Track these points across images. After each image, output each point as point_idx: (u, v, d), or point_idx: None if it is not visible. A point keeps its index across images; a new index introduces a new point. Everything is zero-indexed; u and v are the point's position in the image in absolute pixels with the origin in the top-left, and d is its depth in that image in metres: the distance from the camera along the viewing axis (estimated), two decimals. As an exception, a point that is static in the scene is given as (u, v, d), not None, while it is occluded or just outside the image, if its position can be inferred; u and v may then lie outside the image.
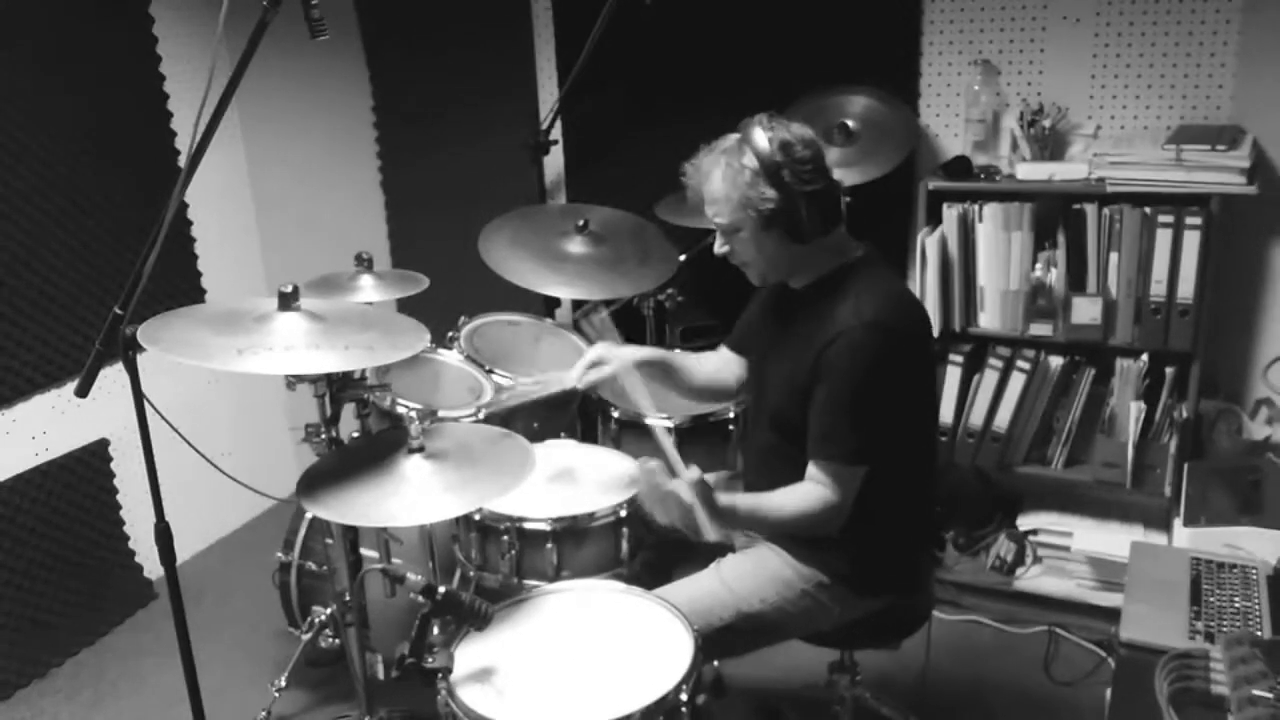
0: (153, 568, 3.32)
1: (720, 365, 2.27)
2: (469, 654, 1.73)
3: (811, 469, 1.89)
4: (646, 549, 2.26)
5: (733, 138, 1.88)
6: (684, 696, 1.62)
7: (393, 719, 2.43)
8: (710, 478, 2.22)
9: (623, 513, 2.16)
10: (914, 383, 1.96)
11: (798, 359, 1.91)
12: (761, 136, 1.83)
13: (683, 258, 2.92)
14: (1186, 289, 2.59)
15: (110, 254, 3.15)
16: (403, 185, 3.70)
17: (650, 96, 3.27)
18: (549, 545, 2.11)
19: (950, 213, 2.79)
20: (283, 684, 2.65)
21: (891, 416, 1.87)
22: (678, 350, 2.36)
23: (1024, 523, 3.00)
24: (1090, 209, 2.65)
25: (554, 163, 3.43)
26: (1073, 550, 2.88)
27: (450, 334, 2.83)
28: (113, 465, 3.22)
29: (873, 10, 2.98)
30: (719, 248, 1.97)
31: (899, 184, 2.95)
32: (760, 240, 1.89)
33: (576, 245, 2.83)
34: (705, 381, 2.26)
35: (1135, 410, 2.69)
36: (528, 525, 2.12)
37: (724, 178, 1.86)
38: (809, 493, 1.88)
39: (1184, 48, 2.71)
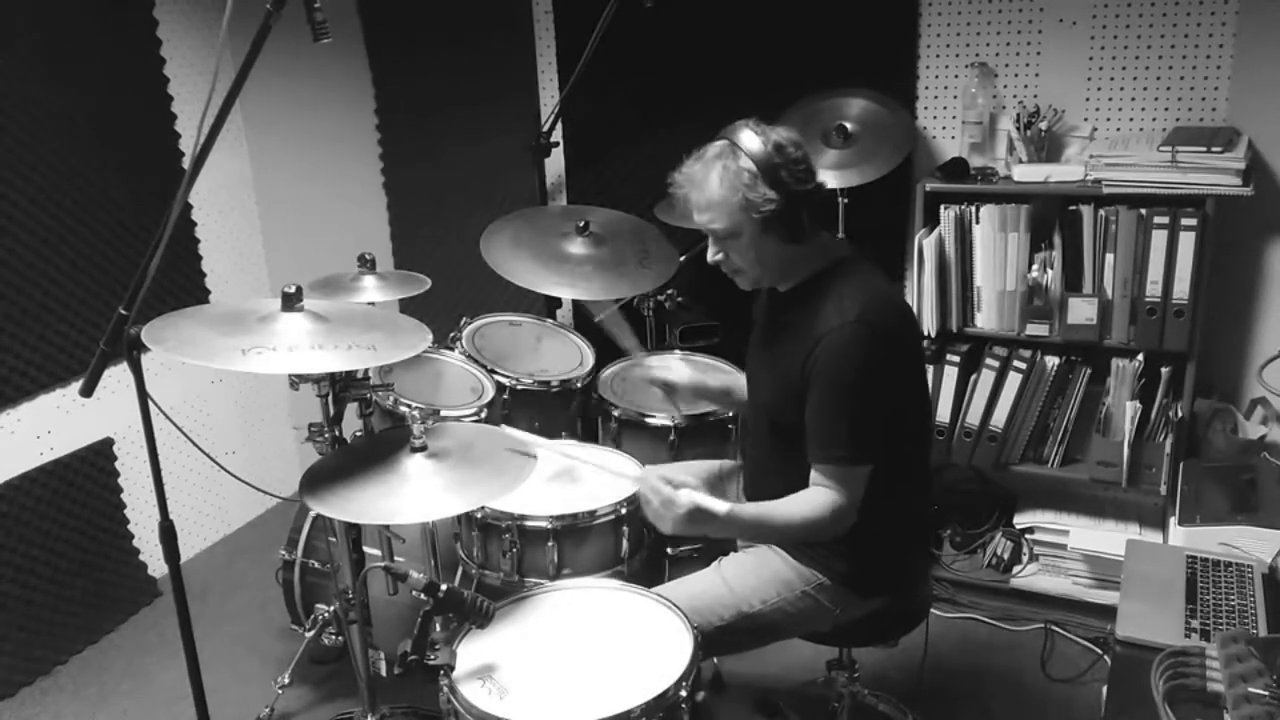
0: (157, 566, 3.35)
1: None
2: (471, 651, 1.75)
3: (815, 474, 1.89)
4: (647, 547, 2.28)
5: (720, 143, 1.88)
6: (684, 693, 1.64)
7: (395, 716, 2.44)
8: (716, 465, 2.25)
9: (623, 511, 2.18)
10: (904, 379, 1.97)
11: (789, 360, 1.92)
12: (754, 139, 1.84)
13: (682, 258, 2.94)
14: (1182, 289, 2.60)
15: (115, 255, 3.17)
16: (405, 186, 3.71)
17: (650, 98, 3.28)
18: (550, 543, 2.13)
19: (947, 214, 2.81)
20: (286, 681, 2.66)
21: (885, 413, 1.88)
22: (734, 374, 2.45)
23: (1020, 521, 3.02)
24: (1086, 210, 2.66)
25: (555, 164, 3.45)
26: (1069, 548, 2.90)
27: (452, 334, 2.84)
28: (117, 464, 3.24)
29: (870, 13, 2.99)
30: (712, 256, 1.97)
31: (897, 185, 2.97)
32: (760, 243, 1.89)
33: (577, 246, 2.85)
34: None
35: (1131, 410, 2.71)
36: (529, 523, 2.13)
37: (722, 182, 1.85)
38: (816, 498, 1.87)
39: (1179, 50, 2.72)
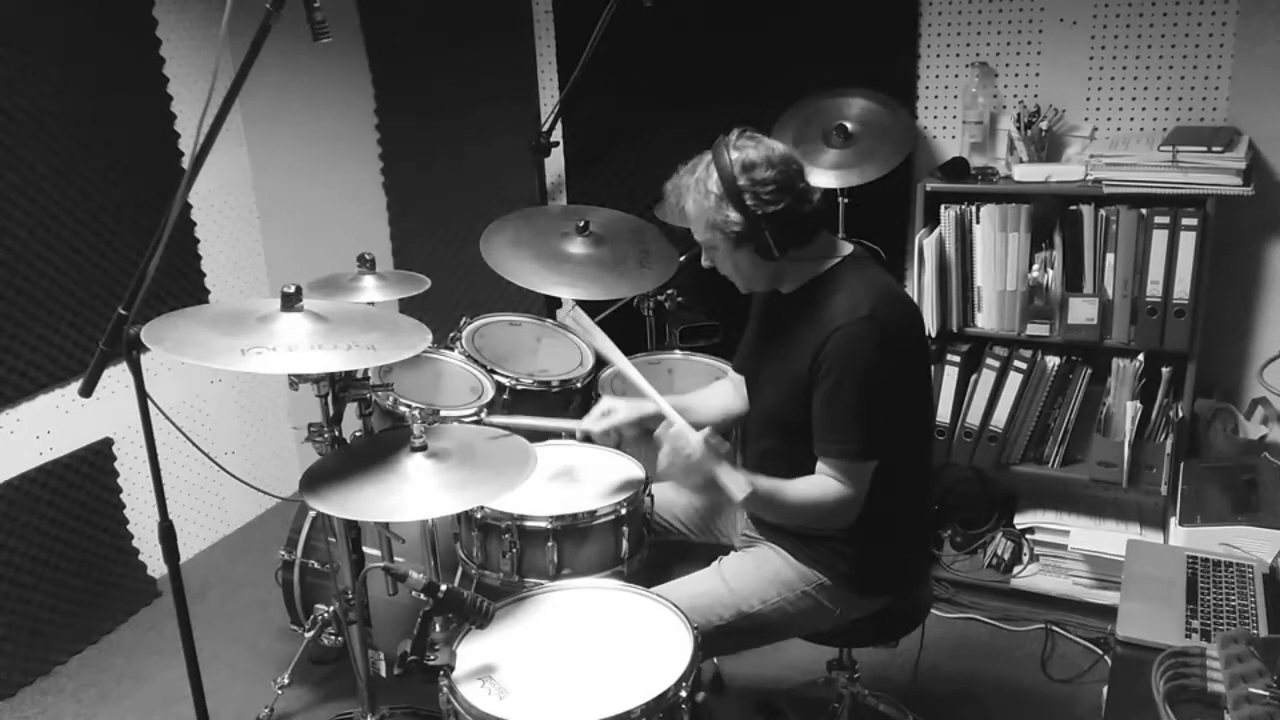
0: (156, 566, 3.35)
1: (729, 393, 2.29)
2: (470, 651, 1.74)
3: (822, 465, 1.90)
4: (647, 547, 2.27)
5: (706, 157, 1.90)
6: (684, 694, 1.63)
7: (395, 716, 2.44)
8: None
9: (623, 511, 2.17)
10: (910, 377, 1.97)
11: (796, 361, 1.92)
12: (727, 157, 1.84)
13: (682, 258, 2.94)
14: (1182, 289, 2.60)
15: (115, 255, 3.17)
16: (405, 186, 3.71)
17: (650, 99, 3.28)
18: (550, 544, 2.12)
19: (948, 214, 2.81)
20: (285, 681, 2.67)
21: (893, 410, 1.89)
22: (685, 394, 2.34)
23: (1021, 521, 3.02)
24: (1087, 210, 2.66)
25: (555, 164, 3.45)
26: (1069, 549, 2.90)
27: (452, 334, 2.84)
28: (116, 464, 3.24)
29: (871, 13, 2.99)
30: (704, 261, 2.01)
31: (897, 185, 2.97)
32: (735, 257, 1.93)
33: (577, 246, 2.85)
34: (720, 417, 2.27)
35: (1131, 410, 2.71)
36: (529, 524, 2.13)
37: (693, 200, 1.90)
38: (824, 484, 1.89)
39: (1180, 50, 2.72)
